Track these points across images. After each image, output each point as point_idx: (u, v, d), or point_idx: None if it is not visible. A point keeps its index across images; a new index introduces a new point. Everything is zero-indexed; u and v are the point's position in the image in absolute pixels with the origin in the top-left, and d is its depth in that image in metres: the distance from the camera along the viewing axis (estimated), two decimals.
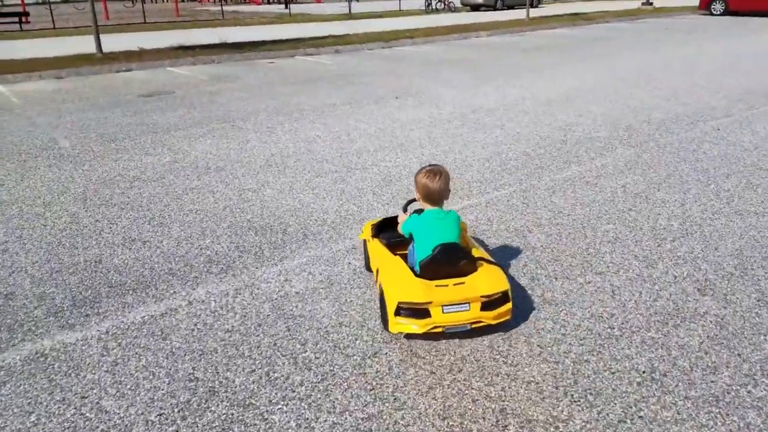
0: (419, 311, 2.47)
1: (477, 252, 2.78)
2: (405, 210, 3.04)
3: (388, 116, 7.57)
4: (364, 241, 3.21)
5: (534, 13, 20.74)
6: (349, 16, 27.72)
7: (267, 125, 7.17)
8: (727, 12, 23.05)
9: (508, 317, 2.61)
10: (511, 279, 3.06)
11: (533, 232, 3.92)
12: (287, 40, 15.72)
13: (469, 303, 2.49)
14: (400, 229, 2.87)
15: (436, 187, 2.65)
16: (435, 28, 18.58)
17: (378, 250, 2.91)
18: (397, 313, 2.49)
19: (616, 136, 6.28)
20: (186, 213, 4.42)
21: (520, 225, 4.04)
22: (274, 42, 15.28)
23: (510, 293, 2.59)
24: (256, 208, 4.49)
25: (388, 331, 2.62)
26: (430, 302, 2.45)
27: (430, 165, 2.77)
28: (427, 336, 2.61)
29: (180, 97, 9.04)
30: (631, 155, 5.60)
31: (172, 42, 15.27)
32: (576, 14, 23.05)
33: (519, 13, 23.44)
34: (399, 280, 2.56)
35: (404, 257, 2.80)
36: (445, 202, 2.81)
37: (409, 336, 2.63)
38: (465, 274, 2.55)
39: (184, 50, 13.84)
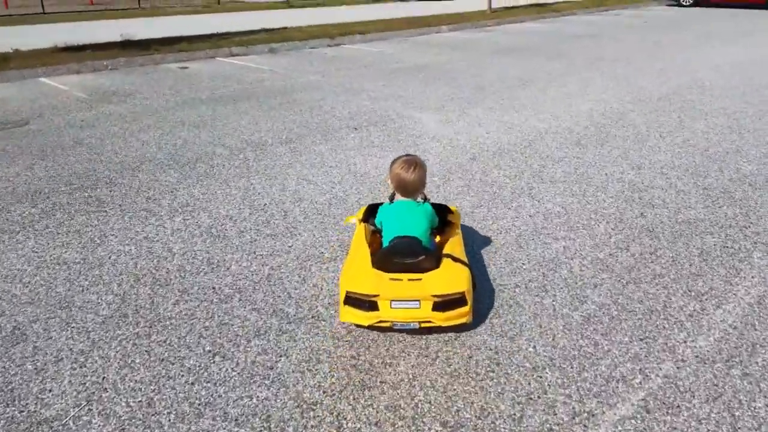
0: (367, 303, 2.37)
1: (451, 249, 2.61)
2: (391, 200, 2.75)
3: (345, 165, 4.93)
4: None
5: (493, 3, 18.40)
6: (288, 4, 24.61)
7: (146, 198, 4.36)
8: (697, 3, 21.50)
9: (463, 320, 2.42)
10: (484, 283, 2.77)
11: None
12: (209, 36, 12.67)
13: (419, 301, 2.36)
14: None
15: (409, 179, 2.53)
16: (390, 22, 15.89)
17: (357, 234, 2.79)
18: (347, 302, 2.40)
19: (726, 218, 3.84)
20: None
21: None
22: (191, 39, 12.20)
23: (469, 296, 2.40)
24: None
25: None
26: (377, 295, 2.35)
27: (407, 155, 2.63)
28: (377, 329, 2.50)
29: (32, 133, 6.04)
30: None
31: (63, 39, 11.90)
32: (541, 5, 20.85)
33: (476, 2, 20.99)
34: (353, 269, 2.49)
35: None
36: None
37: (359, 326, 2.51)
38: (424, 270, 2.41)
39: (70, 52, 10.60)
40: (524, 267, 3.24)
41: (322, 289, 3.04)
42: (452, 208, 2.98)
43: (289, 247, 3.52)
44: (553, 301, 2.91)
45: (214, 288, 3.08)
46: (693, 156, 5.02)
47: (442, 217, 2.87)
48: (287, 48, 11.96)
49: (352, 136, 5.77)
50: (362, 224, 2.85)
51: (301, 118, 6.47)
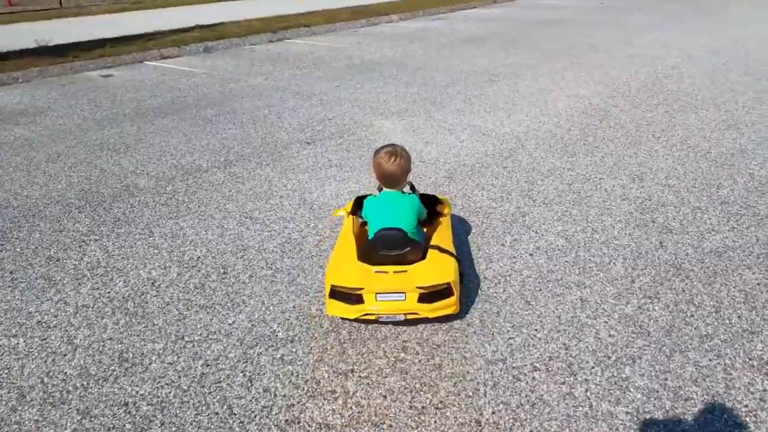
0: (352, 296, 2.36)
1: (439, 239, 2.61)
2: (380, 191, 2.70)
3: (299, 193, 4.15)
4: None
5: None
6: None
7: (47, 259, 3.49)
8: None
9: (449, 311, 2.41)
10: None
11: None
12: (137, 37, 11.51)
13: (404, 293, 2.35)
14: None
15: (391, 169, 2.48)
16: (335, 12, 14.99)
17: (344, 227, 2.77)
18: (332, 295, 2.40)
19: None
20: None
21: None
22: (116, 41, 11.02)
23: (455, 286, 2.39)
24: None
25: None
26: (362, 288, 2.34)
27: (389, 144, 2.57)
28: (363, 321, 2.47)
29: None
30: None
31: None
32: None
33: None
34: (338, 262, 2.49)
35: None
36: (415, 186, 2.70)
37: (346, 319, 2.49)
38: (410, 262, 2.40)
39: None
40: (538, 336, 2.54)
41: (276, 395, 2.26)
42: (441, 198, 2.93)
43: (230, 324, 2.71)
44: (587, 390, 2.22)
45: (126, 404, 2.25)
46: (696, 161, 4.45)
47: (431, 208, 2.81)
48: (225, 46, 10.95)
49: (305, 153, 4.96)
50: (350, 217, 2.81)
51: (242, 133, 5.60)
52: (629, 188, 4.02)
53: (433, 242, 2.60)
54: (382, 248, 2.41)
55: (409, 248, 2.42)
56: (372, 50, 10.14)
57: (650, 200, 3.82)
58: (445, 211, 2.89)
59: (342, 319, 2.56)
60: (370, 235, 2.54)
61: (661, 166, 4.38)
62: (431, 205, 2.83)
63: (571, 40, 10.18)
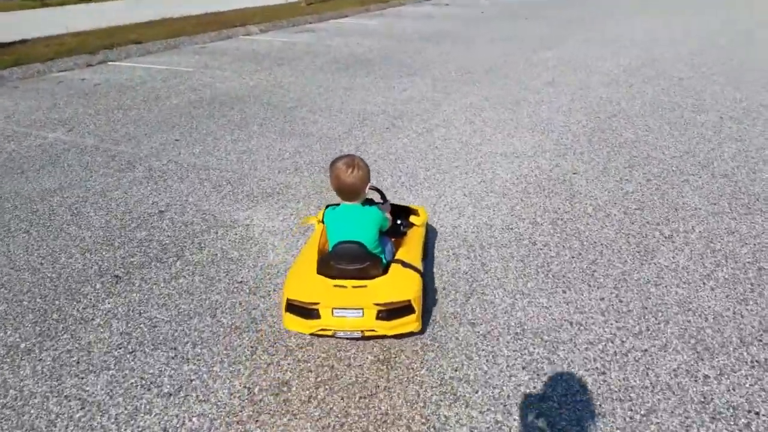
0: (308, 311, 2.31)
1: (406, 253, 2.54)
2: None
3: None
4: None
5: None
6: (43, 2, 19.40)
7: None
8: None
9: (410, 329, 2.34)
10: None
11: None
12: None
13: (362, 309, 2.27)
14: None
15: (348, 181, 2.38)
16: (177, 23, 12.43)
17: (312, 237, 2.74)
18: (288, 309, 2.35)
19: None
20: None
21: None
22: None
23: (417, 303, 2.31)
24: None
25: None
26: (318, 303, 2.29)
27: (347, 155, 2.44)
28: (320, 336, 2.43)
29: None
30: None
31: None
32: None
33: None
34: (296, 275, 2.44)
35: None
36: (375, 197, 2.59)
37: (302, 333, 2.42)
38: (371, 277, 2.33)
39: None
40: None
41: None
42: (416, 208, 2.90)
43: None
44: None
45: None
46: None
47: (405, 219, 2.79)
48: (21, 75, 8.10)
49: (107, 307, 2.75)
50: (320, 225, 2.71)
51: (13, 267, 3.23)
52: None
53: (398, 256, 2.51)
54: (339, 261, 2.32)
55: (368, 262, 2.32)
56: (226, 76, 7.92)
57: None
58: (419, 222, 2.82)
59: (298, 332, 2.43)
60: (331, 248, 2.42)
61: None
62: (405, 216, 2.80)
63: (467, 61, 8.71)
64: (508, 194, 4.03)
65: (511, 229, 3.53)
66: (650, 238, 3.37)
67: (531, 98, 6.49)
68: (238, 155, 4.96)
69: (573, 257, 3.18)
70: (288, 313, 2.36)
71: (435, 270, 3.10)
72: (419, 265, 2.52)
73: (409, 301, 2.29)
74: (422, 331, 2.50)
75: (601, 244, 3.31)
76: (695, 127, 5.32)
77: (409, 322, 2.33)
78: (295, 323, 2.36)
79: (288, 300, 2.33)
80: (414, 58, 9.03)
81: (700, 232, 3.43)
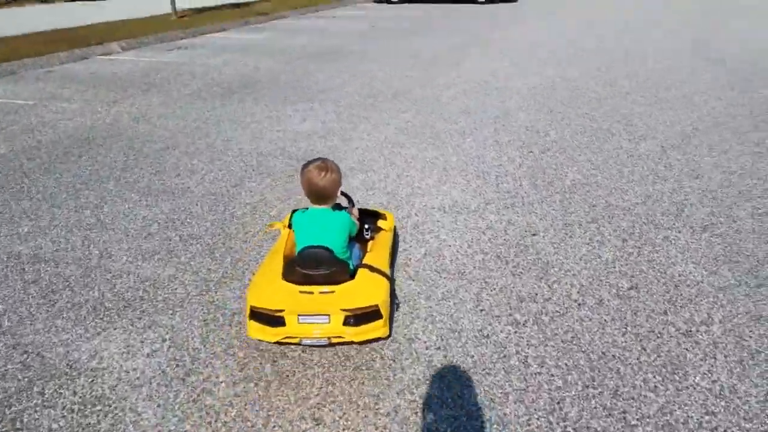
0: (272, 318, 2.24)
1: (374, 258, 2.48)
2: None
3: None
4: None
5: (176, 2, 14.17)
6: None
7: None
8: None
9: (377, 335, 2.30)
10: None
11: None
12: None
13: (329, 315, 2.22)
14: None
15: (320, 184, 2.37)
16: (15, 42, 10.39)
17: (278, 243, 2.66)
18: (252, 317, 2.28)
19: None
20: None
21: None
22: None
23: (384, 308, 2.27)
24: None
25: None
26: (283, 310, 2.22)
27: (319, 158, 2.45)
28: (286, 344, 2.34)
29: None
30: None
31: None
32: (240, 5, 17.24)
33: (147, 3, 16.33)
34: (260, 282, 2.38)
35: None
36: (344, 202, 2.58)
37: (267, 341, 2.34)
38: (337, 282, 2.28)
39: None
40: None
41: None
42: (384, 212, 2.89)
43: None
44: None
45: None
46: None
47: (372, 224, 2.76)
48: None
49: None
50: (286, 230, 2.66)
51: None
52: None
53: (366, 260, 2.46)
54: (306, 267, 2.27)
55: (335, 267, 2.28)
56: (76, 110, 6.35)
57: None
58: (386, 227, 2.81)
59: (263, 341, 2.39)
60: (297, 253, 2.39)
61: None
62: (372, 220, 2.77)
63: (368, 82, 7.76)
64: (465, 274, 3.05)
65: (487, 337, 2.54)
66: (666, 338, 2.53)
67: (450, 129, 5.64)
68: (83, 233, 3.59)
69: (586, 387, 2.24)
70: (252, 321, 2.29)
71: None
72: (387, 270, 2.48)
73: (377, 305, 2.26)
74: (388, 337, 2.43)
75: (613, 357, 2.41)
76: (641, 161, 4.70)
77: (377, 328, 2.29)
78: (259, 332, 2.29)
79: (251, 308, 2.27)
80: (308, 80, 7.92)
81: (721, 322, 2.65)
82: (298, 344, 2.33)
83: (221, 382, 2.31)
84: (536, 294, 2.86)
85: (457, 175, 4.47)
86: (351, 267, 2.40)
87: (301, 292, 2.26)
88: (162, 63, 9.29)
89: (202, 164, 4.75)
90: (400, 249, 3.33)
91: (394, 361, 2.40)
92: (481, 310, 2.73)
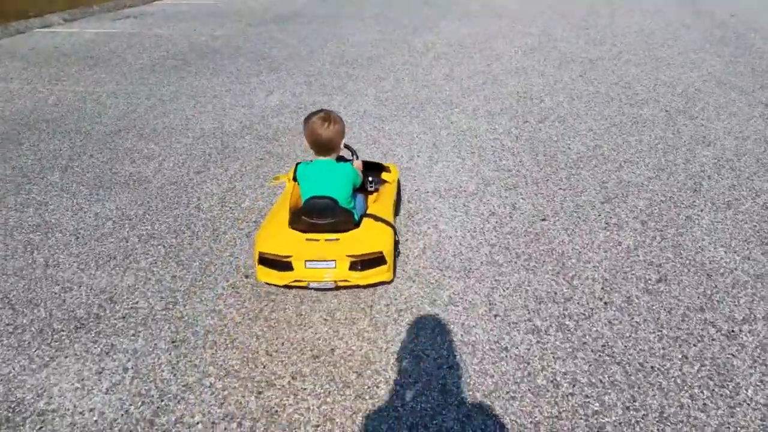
0: (281, 263, 2.38)
1: (378, 208, 2.62)
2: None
3: None
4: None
5: None
6: None
7: None
8: None
9: (382, 279, 2.44)
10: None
11: None
12: None
13: (335, 261, 2.36)
14: None
15: (324, 135, 2.44)
16: None
17: (283, 194, 2.78)
18: (261, 262, 2.41)
19: None
20: None
21: None
22: None
23: (389, 255, 2.40)
24: None
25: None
26: (291, 255, 2.35)
27: (322, 110, 2.50)
28: (293, 287, 2.49)
29: None
30: None
31: None
32: None
33: None
34: (268, 229, 2.48)
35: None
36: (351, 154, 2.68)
37: (275, 285, 2.50)
38: (343, 231, 2.39)
39: None
40: None
41: None
42: (388, 165, 2.95)
43: None
44: None
45: None
46: None
47: (376, 176, 2.84)
48: None
49: None
50: (292, 183, 2.75)
51: None
52: None
53: (370, 210, 2.58)
54: (311, 216, 2.36)
55: (340, 217, 2.37)
56: (14, 91, 5.82)
57: None
58: (390, 178, 2.88)
59: (271, 285, 2.48)
60: (303, 203, 2.46)
61: None
62: (377, 173, 2.84)
63: (339, 48, 7.30)
64: (472, 272, 2.75)
65: (506, 350, 2.25)
66: (708, 341, 2.28)
67: (436, 98, 5.28)
68: (25, 237, 3.18)
69: (627, 409, 1.98)
70: (261, 266, 2.41)
71: None
72: (392, 220, 2.59)
73: (381, 252, 2.35)
74: (391, 281, 2.53)
75: (653, 369, 2.15)
76: (647, 129, 4.43)
77: (381, 272, 2.40)
78: (268, 275, 2.41)
79: (260, 253, 2.37)
80: (272, 47, 7.43)
81: (765, 318, 2.40)
82: (306, 288, 2.44)
83: (197, 423, 1.99)
84: (555, 293, 2.58)
85: (450, 152, 4.15)
86: (356, 217, 2.46)
87: (307, 240, 2.36)
88: (109, 34, 8.65)
89: (160, 149, 4.33)
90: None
91: (401, 386, 2.10)
92: (495, 316, 2.44)
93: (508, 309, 2.48)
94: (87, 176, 3.90)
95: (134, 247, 3.05)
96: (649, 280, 2.66)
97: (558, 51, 6.81)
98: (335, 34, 8.14)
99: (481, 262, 2.82)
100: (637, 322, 2.39)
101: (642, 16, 8.67)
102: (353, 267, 2.36)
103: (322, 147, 2.48)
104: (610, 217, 3.20)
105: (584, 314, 2.44)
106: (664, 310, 2.46)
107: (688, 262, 2.79)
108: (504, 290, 2.61)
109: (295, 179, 2.67)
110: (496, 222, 3.19)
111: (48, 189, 3.74)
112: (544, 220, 3.20)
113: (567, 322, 2.39)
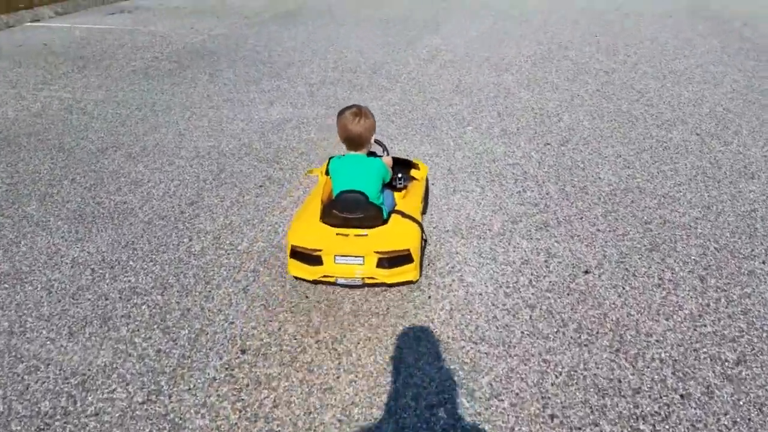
0: (311, 257, 2.34)
1: (406, 205, 2.56)
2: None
3: None
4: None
5: None
6: None
7: None
8: None
9: (409, 278, 2.38)
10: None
11: None
12: None
13: (363, 257, 2.31)
14: None
15: (355, 130, 2.41)
16: None
17: (316, 187, 2.71)
18: (293, 255, 2.38)
19: None
20: None
21: None
22: None
23: (415, 253, 2.33)
24: None
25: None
26: (321, 250, 2.31)
27: (354, 105, 2.48)
28: (322, 283, 2.39)
29: None
30: None
31: None
32: None
33: None
34: (300, 222, 2.44)
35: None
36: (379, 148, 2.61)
37: (305, 280, 2.42)
38: (371, 226, 2.34)
39: None
40: None
41: None
42: (417, 162, 2.87)
43: None
44: None
45: None
46: None
47: (405, 172, 2.78)
48: None
49: None
50: (324, 177, 2.69)
51: None
52: None
53: (399, 207, 2.53)
54: (342, 210, 2.32)
55: (369, 212, 2.32)
56: None
57: None
58: (419, 175, 2.83)
59: (302, 280, 2.43)
60: (334, 196, 2.43)
61: None
62: (406, 169, 2.79)
63: (342, 53, 6.71)
64: (512, 346, 2.23)
65: None
66: None
67: (445, 114, 4.73)
68: None
69: None
70: (293, 260, 2.37)
71: None
72: (419, 218, 2.54)
73: (408, 250, 2.31)
74: (417, 281, 2.44)
75: None
76: (680, 156, 3.92)
77: (408, 271, 2.35)
78: (299, 269, 2.37)
79: (293, 246, 2.34)
80: (272, 49, 6.83)
81: None
82: (334, 284, 2.37)
83: None
84: (620, 380, 2.06)
85: (467, 179, 3.61)
86: (384, 213, 2.39)
87: (337, 234, 2.31)
88: (102, 31, 7.98)
89: (149, 172, 3.76)
90: (416, 303, 2.47)
91: None
92: (552, 417, 1.91)
93: (566, 406, 1.96)
94: (67, 207, 3.33)
95: (114, 307, 2.49)
96: (727, 361, 2.15)
97: (569, 60, 6.27)
98: (335, 36, 7.53)
99: (523, 333, 2.30)
100: (725, 426, 1.88)
101: (651, 21, 8.13)
102: (380, 264, 2.31)
103: (353, 142, 2.45)
104: (663, 271, 2.68)
105: (659, 414, 1.92)
106: (755, 407, 1.95)
107: (764, 334, 2.28)
108: (556, 376, 2.09)
109: (327, 173, 2.60)
110: (532, 274, 2.67)
111: (22, 223, 3.17)
112: (587, 272, 2.68)
113: (642, 427, 1.87)
